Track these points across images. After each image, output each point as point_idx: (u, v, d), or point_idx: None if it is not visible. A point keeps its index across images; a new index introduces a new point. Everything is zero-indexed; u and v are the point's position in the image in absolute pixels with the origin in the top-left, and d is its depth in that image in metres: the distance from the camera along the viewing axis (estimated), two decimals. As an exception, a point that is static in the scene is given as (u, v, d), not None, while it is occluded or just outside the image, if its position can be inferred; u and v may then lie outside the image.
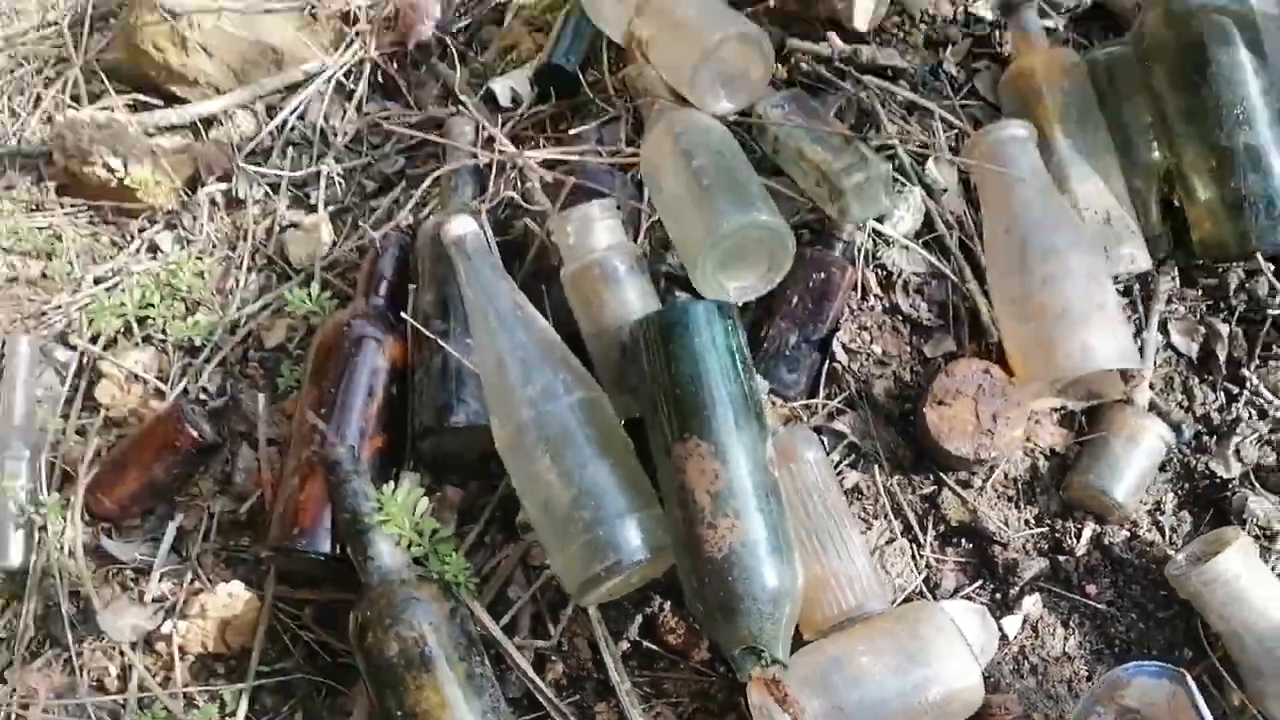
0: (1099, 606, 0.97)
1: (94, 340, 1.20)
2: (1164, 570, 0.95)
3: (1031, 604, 0.96)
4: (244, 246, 1.25)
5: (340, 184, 1.29)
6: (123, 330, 1.21)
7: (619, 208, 1.03)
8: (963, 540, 0.99)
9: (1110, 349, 0.93)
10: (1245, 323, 1.03)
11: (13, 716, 1.02)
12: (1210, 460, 0.99)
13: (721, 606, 0.82)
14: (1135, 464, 0.97)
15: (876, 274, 1.04)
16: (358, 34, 1.40)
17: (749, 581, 0.82)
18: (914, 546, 0.98)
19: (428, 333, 1.01)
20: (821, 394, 1.01)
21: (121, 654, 1.03)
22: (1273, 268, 1.03)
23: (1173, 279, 1.05)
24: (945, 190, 1.06)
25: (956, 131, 1.09)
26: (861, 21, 1.12)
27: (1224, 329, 1.03)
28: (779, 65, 1.15)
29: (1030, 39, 1.08)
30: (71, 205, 1.33)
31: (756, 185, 1.00)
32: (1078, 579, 0.97)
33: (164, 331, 1.20)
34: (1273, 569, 0.94)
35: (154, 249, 1.30)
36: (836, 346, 1.01)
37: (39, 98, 1.43)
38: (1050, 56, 1.07)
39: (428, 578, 0.93)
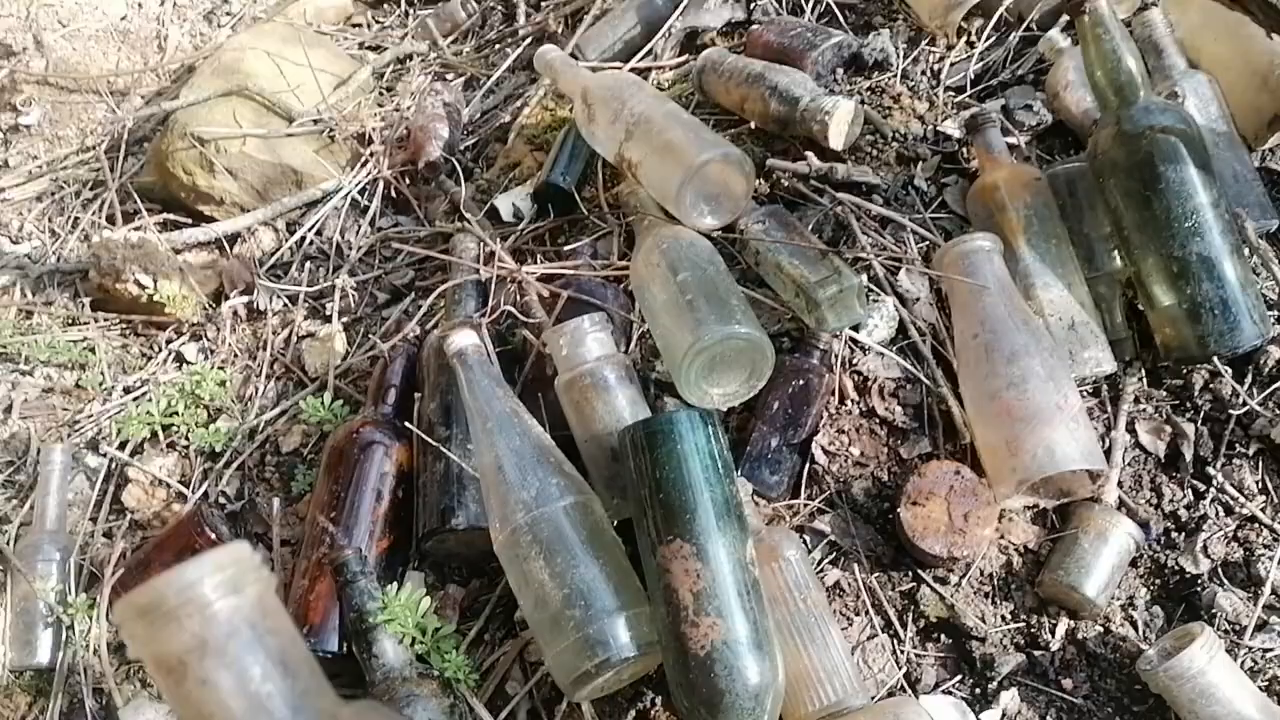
0: (1076, 700, 0.99)
1: (122, 447, 1.28)
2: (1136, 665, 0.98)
3: (1009, 698, 1.00)
4: (263, 356, 1.33)
5: (354, 296, 1.37)
6: (149, 437, 1.29)
7: (610, 320, 1.09)
8: (942, 635, 1.02)
9: (1073, 450, 0.98)
10: (1210, 422, 1.08)
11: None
12: (1179, 556, 1.03)
13: (705, 702, 0.86)
14: (1105, 561, 1.00)
15: (853, 379, 1.09)
16: (372, 154, 1.49)
17: (731, 678, 0.86)
18: (894, 642, 1.02)
19: (431, 440, 1.08)
20: (803, 494, 1.06)
21: (140, 750, 1.08)
22: (1231, 371, 1.07)
23: (1139, 380, 1.10)
24: (917, 299, 1.12)
25: (927, 243, 1.15)
26: (837, 141, 1.19)
27: (1190, 428, 1.07)
28: (761, 181, 1.22)
29: (994, 156, 1.15)
30: (105, 319, 1.42)
31: (737, 298, 1.07)
32: (1054, 673, 1.00)
33: (187, 438, 1.27)
34: (1243, 663, 0.97)
35: (180, 359, 1.38)
36: (816, 449, 1.07)
37: (77, 220, 1.53)
38: (1013, 172, 1.13)
39: (429, 675, 0.98)
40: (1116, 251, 1.11)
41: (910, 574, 1.03)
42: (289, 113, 1.52)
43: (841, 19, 1.38)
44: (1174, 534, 1.04)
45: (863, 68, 1.29)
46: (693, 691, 0.87)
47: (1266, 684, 0.97)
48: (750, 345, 1.03)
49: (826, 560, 1.04)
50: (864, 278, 1.10)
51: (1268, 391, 1.06)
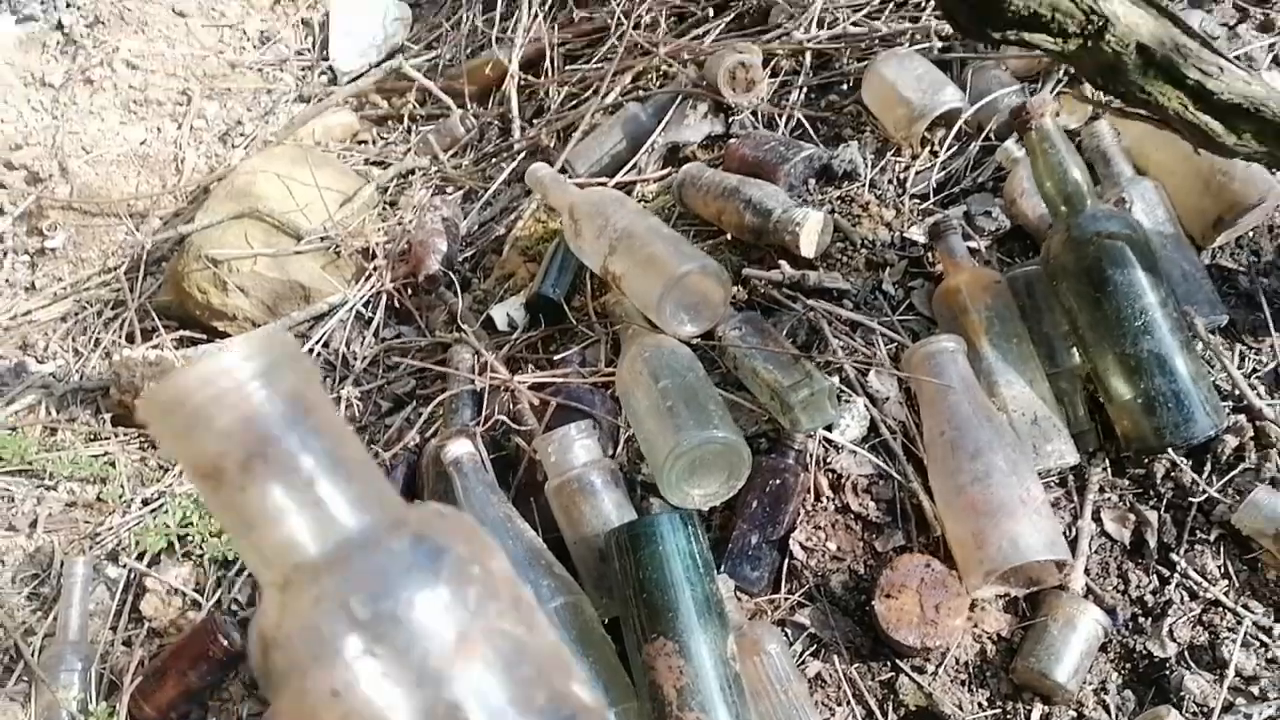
0: (1053, 784, 1.03)
1: (140, 558, 1.34)
2: (1108, 748, 1.02)
3: (989, 783, 1.03)
4: (273, 466, 1.39)
5: (359, 405, 1.44)
6: (166, 547, 1.35)
7: (597, 426, 1.16)
8: (921, 723, 1.06)
9: (1036, 541, 1.03)
10: (1173, 509, 1.12)
11: None
12: (1147, 641, 1.07)
13: (691, 795, 0.91)
14: (1074, 647, 1.04)
15: (828, 477, 1.15)
16: (375, 268, 1.58)
17: (716, 771, 0.91)
18: (875, 731, 1.06)
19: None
20: (783, 589, 1.11)
21: None
22: (1191, 460, 1.12)
23: (1104, 470, 1.15)
24: (887, 398, 1.18)
25: (896, 344, 1.21)
26: (809, 250, 1.27)
27: (1153, 516, 1.12)
28: (739, 289, 1.30)
29: (956, 260, 1.22)
30: (125, 433, 1.50)
31: (715, 403, 1.13)
32: (1031, 758, 1.04)
33: (201, 547, 1.33)
34: (1212, 744, 1.01)
35: (195, 470, 1.45)
36: (795, 545, 1.12)
37: (99, 339, 1.62)
38: (974, 276, 1.20)
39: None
40: (1075, 349, 1.16)
41: (889, 664, 1.08)
42: (297, 232, 1.61)
43: (813, 132, 1.46)
44: (1141, 619, 1.08)
45: (833, 178, 1.37)
46: (679, 785, 0.91)
47: (1234, 765, 1.00)
48: (727, 449, 1.09)
49: (807, 652, 1.09)
50: (835, 380, 1.16)
51: (1226, 479, 1.10)
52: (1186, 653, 1.06)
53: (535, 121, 1.80)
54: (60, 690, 1.23)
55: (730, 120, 1.52)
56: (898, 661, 1.08)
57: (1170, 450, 1.11)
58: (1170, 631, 1.07)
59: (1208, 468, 1.12)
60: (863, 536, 1.13)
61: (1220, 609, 1.07)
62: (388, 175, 1.82)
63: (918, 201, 1.33)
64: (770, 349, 1.18)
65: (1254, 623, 1.05)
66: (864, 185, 1.35)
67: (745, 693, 0.96)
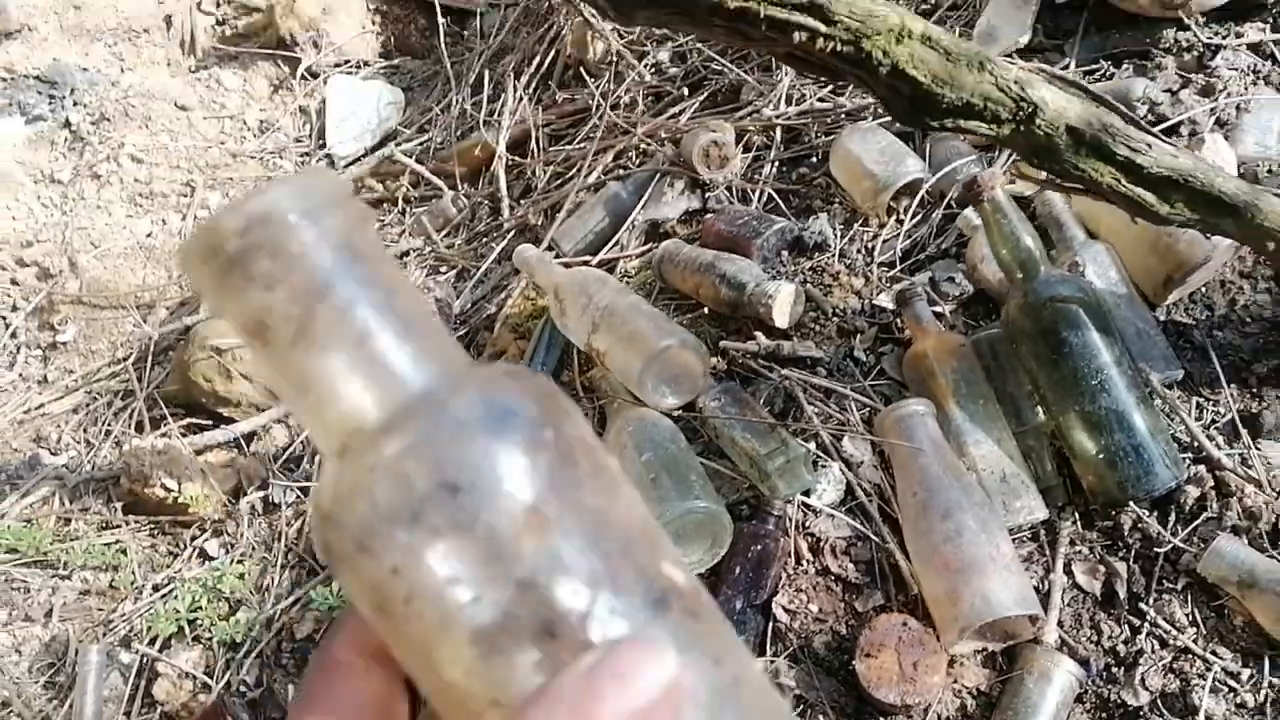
0: (1037, 835, 1.06)
1: (152, 643, 1.39)
2: (1086, 797, 1.05)
3: (973, 836, 1.06)
4: (278, 547, 1.45)
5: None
6: (176, 632, 1.40)
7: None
8: (906, 779, 1.10)
9: (1007, 597, 1.07)
10: (1141, 560, 1.16)
11: None
12: (1120, 690, 1.10)
13: None
14: (1050, 700, 1.08)
15: (808, 541, 1.19)
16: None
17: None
18: (862, 788, 1.09)
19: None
20: (768, 652, 1.15)
21: None
22: (1156, 511, 1.16)
23: (1074, 523, 1.19)
24: (861, 462, 1.23)
25: (868, 409, 1.26)
26: (782, 320, 1.32)
27: (1122, 567, 1.16)
28: (717, 360, 1.35)
29: (923, 326, 1.27)
30: (135, 521, 1.55)
31: (696, 473, 1.18)
32: (1014, 810, 1.07)
33: (210, 630, 1.38)
34: (1188, 789, 1.04)
35: (204, 555, 1.50)
36: (777, 608, 1.16)
37: (109, 430, 1.68)
38: (940, 340, 1.25)
39: None
40: (1039, 407, 1.21)
41: (873, 722, 1.11)
42: (297, 318, 1.67)
43: (784, 205, 1.52)
44: (1114, 669, 1.12)
45: (804, 249, 1.43)
46: None
47: (1208, 810, 1.03)
48: (709, 517, 1.14)
49: (795, 713, 1.12)
50: (811, 446, 1.21)
51: (1190, 528, 1.14)
52: (1159, 700, 1.09)
53: (523, 201, 1.86)
54: (78, 776, 1.27)
55: (706, 196, 1.59)
56: (882, 718, 1.11)
57: (1133, 503, 1.15)
58: (1142, 680, 1.10)
59: (1172, 518, 1.16)
60: (843, 597, 1.17)
61: (1190, 656, 1.10)
62: (384, 257, 1.88)
63: (885, 269, 1.39)
64: (748, 418, 1.23)
65: (1223, 669, 1.09)
66: (834, 255, 1.41)
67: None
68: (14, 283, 1.98)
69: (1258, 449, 1.17)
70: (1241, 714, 1.07)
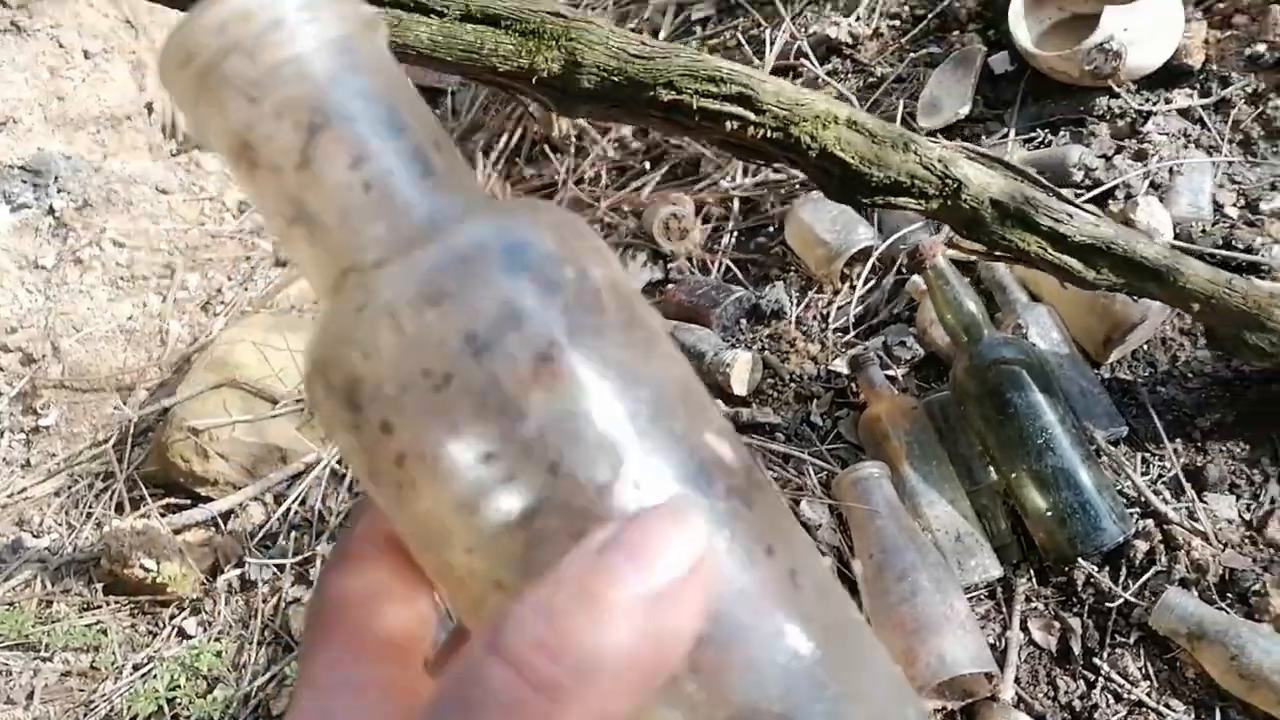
0: None
1: (131, 724, 1.41)
2: None
3: None
4: (254, 624, 1.47)
5: (334, 561, 1.52)
6: (155, 710, 1.41)
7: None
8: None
9: (962, 655, 1.09)
10: (1095, 614, 1.19)
11: None
12: (1077, 744, 1.12)
13: None
14: (1008, 756, 1.10)
15: (768, 605, 1.21)
16: (348, 427, 1.67)
17: None
18: None
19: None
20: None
21: None
22: (1108, 566, 1.19)
23: (1029, 580, 1.22)
24: (820, 525, 1.26)
25: (826, 473, 1.29)
26: (740, 388, 1.36)
27: (1076, 623, 1.18)
28: (680, 429, 1.38)
29: (876, 390, 1.30)
30: (115, 602, 1.57)
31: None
32: None
33: (189, 708, 1.40)
34: (1146, 842, 1.05)
35: (182, 634, 1.52)
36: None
37: (90, 512, 1.71)
38: (893, 403, 1.29)
39: None
40: (990, 466, 1.24)
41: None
42: (273, 396, 1.71)
43: (742, 274, 1.57)
44: (1071, 723, 1.14)
45: (762, 317, 1.47)
46: None
47: None
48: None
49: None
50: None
51: (1140, 582, 1.17)
52: (1115, 753, 1.12)
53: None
54: None
55: (669, 267, 1.63)
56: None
57: (1084, 559, 1.18)
58: (1098, 733, 1.12)
59: (1123, 573, 1.19)
60: (804, 660, 1.19)
61: (1144, 710, 1.12)
62: (360, 333, 1.92)
63: (840, 335, 1.43)
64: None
65: (1175, 720, 1.11)
66: (791, 322, 1.45)
67: None
68: (-2, 368, 2.02)
69: (1203, 502, 1.20)
70: (1194, 765, 1.09)
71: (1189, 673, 1.13)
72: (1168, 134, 1.44)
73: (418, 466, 0.26)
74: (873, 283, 1.47)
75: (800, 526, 0.29)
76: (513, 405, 0.25)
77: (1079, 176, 1.40)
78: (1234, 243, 1.32)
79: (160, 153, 2.49)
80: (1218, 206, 1.37)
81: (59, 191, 2.35)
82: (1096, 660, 1.16)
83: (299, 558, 1.55)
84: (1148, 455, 1.25)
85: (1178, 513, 1.20)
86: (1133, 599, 1.16)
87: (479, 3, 0.91)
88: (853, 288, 1.47)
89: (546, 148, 1.96)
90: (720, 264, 1.58)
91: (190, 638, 1.51)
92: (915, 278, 1.40)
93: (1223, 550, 1.17)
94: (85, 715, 1.46)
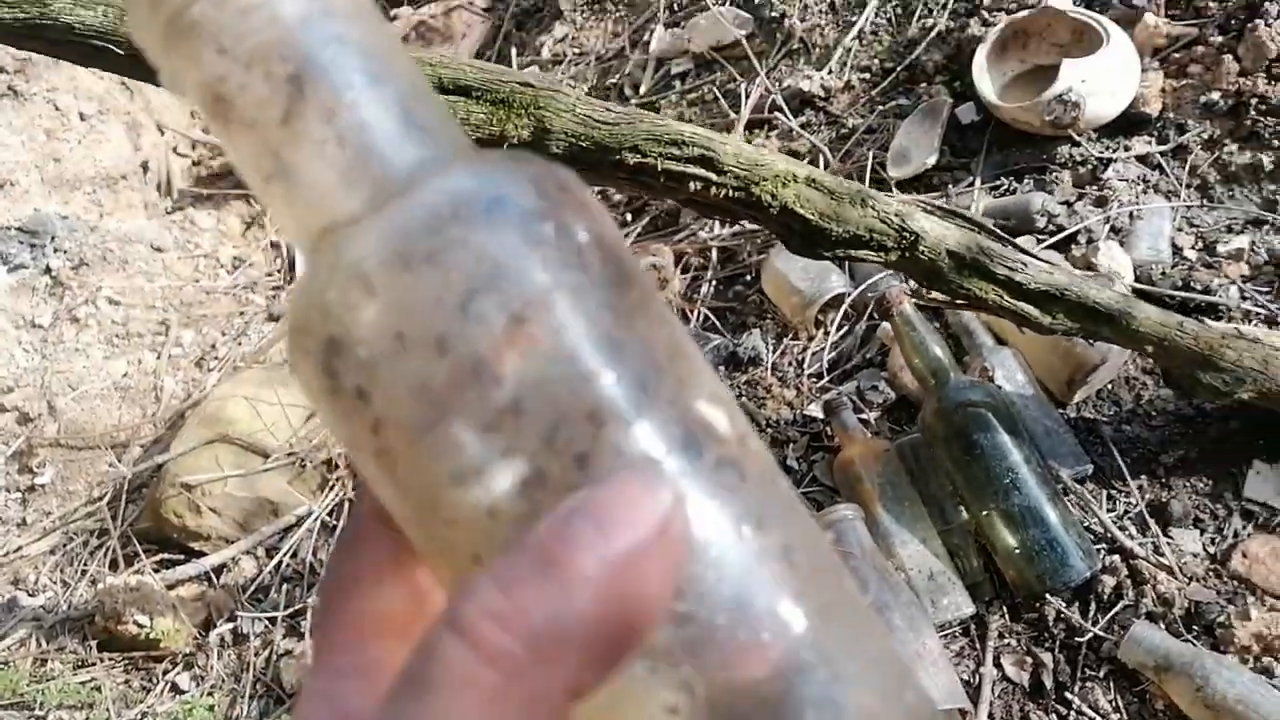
0: None
1: (124, 780, 1.42)
2: None
3: None
4: (247, 678, 1.49)
5: (325, 612, 1.54)
6: (148, 768, 1.44)
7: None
8: None
9: (934, 692, 1.12)
10: (1066, 649, 1.21)
11: None
12: (1051, 778, 1.15)
13: None
14: (983, 791, 1.12)
15: (748, 647, 1.24)
16: (338, 478, 1.70)
17: None
18: None
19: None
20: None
21: None
22: (1078, 601, 1.22)
23: (1002, 616, 1.25)
24: (796, 568, 1.28)
25: (802, 516, 1.32)
26: (718, 434, 1.39)
27: (1048, 658, 1.21)
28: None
29: (849, 433, 1.34)
30: (110, 658, 1.60)
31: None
32: None
33: (182, 765, 1.42)
34: None
35: (175, 689, 1.54)
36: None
37: (85, 569, 1.73)
38: (866, 446, 1.32)
39: None
40: (961, 506, 1.28)
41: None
42: (264, 450, 1.74)
43: (720, 322, 1.61)
44: (1045, 758, 1.16)
45: (739, 364, 1.51)
46: None
47: None
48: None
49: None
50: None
51: (1109, 616, 1.20)
52: (1089, 786, 1.14)
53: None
54: None
55: (649, 316, 1.67)
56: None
57: (1053, 594, 1.21)
58: (1072, 767, 1.15)
59: (1092, 607, 1.21)
60: (783, 701, 1.22)
61: (1115, 742, 1.15)
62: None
63: (815, 380, 1.47)
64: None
65: (1146, 752, 1.13)
66: (767, 369, 1.49)
67: None
68: (-6, 428, 2.05)
69: (1168, 537, 1.24)
70: (1165, 797, 1.11)
71: (1158, 704, 1.16)
72: (1127, 180, 1.49)
73: (394, 435, 0.25)
74: (845, 329, 1.51)
75: (802, 505, 0.27)
76: (487, 370, 0.24)
77: (1042, 223, 1.45)
78: (1193, 284, 1.36)
79: (155, 210, 2.55)
80: (1176, 249, 1.42)
81: (55, 251, 2.40)
82: (1068, 694, 1.19)
83: (290, 610, 1.57)
84: (1113, 492, 1.28)
85: (1143, 548, 1.23)
86: (1102, 633, 1.19)
87: (450, 74, 0.96)
88: (826, 334, 1.51)
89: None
90: (699, 313, 1.63)
91: (184, 693, 1.53)
92: (885, 324, 1.44)
93: (1188, 584, 1.20)
94: (80, 772, 1.48)
